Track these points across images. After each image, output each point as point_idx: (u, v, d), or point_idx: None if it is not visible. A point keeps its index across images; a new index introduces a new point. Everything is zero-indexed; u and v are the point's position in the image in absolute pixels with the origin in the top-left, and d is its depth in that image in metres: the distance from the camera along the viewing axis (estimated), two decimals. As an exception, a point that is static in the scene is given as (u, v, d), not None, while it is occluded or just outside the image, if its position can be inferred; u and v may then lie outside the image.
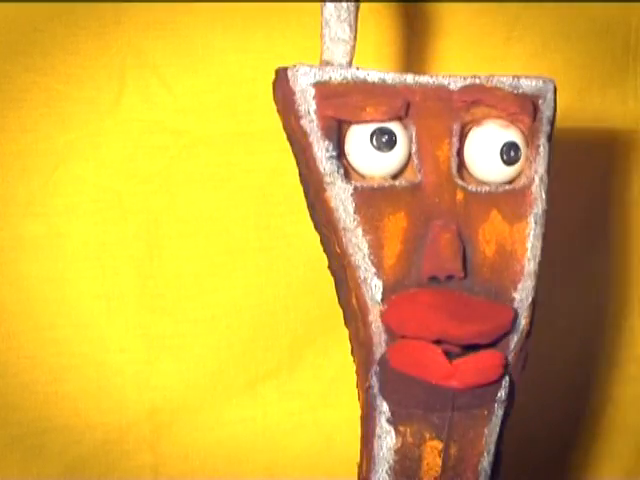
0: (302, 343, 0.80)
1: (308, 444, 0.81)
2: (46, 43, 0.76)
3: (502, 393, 0.53)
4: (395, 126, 0.54)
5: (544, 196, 0.53)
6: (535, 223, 0.53)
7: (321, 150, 0.54)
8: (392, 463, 0.54)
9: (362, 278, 0.54)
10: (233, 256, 0.80)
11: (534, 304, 0.54)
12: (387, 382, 0.53)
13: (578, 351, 0.86)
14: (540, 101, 0.53)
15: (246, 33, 0.78)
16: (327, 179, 0.54)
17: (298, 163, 0.57)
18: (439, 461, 0.53)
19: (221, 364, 0.81)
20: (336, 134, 0.54)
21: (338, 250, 0.55)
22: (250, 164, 0.78)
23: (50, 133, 0.77)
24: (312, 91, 0.54)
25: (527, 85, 0.53)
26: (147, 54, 0.77)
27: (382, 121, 0.53)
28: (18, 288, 0.78)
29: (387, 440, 0.54)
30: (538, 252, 0.53)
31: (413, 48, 0.80)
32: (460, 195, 0.53)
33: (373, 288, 0.54)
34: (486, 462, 0.53)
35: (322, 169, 0.54)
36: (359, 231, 0.54)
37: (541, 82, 0.53)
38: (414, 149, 0.53)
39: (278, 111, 0.57)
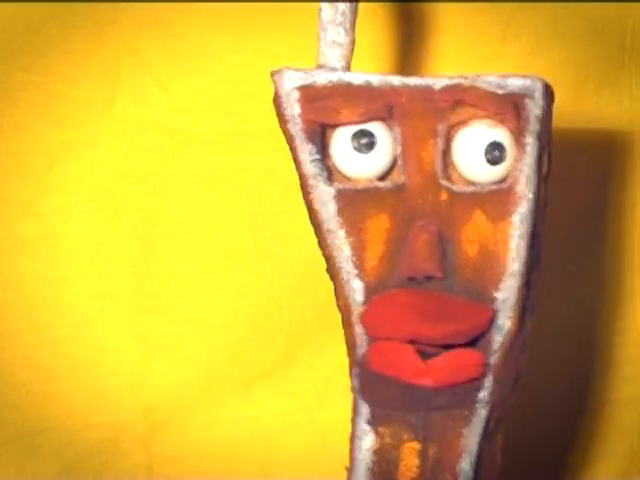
0: (297, 343, 0.80)
1: (303, 444, 0.81)
2: (41, 43, 0.76)
3: (484, 394, 0.53)
4: (377, 128, 0.54)
5: (531, 196, 0.53)
6: (520, 223, 0.52)
7: (305, 153, 0.55)
8: (370, 464, 0.54)
9: (345, 280, 0.54)
10: (228, 256, 0.80)
11: (524, 304, 0.54)
12: (366, 383, 0.54)
13: (573, 352, 0.86)
14: (527, 100, 0.52)
15: (241, 33, 0.78)
16: (311, 182, 0.55)
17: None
18: (417, 462, 0.53)
19: (216, 364, 0.81)
20: (319, 137, 0.54)
21: (325, 252, 0.55)
22: (245, 164, 0.78)
23: (45, 133, 0.77)
24: (297, 94, 0.54)
25: (514, 84, 0.52)
26: (142, 54, 0.77)
27: (359, 123, 0.53)
28: (13, 288, 0.78)
29: (366, 441, 0.54)
30: (523, 252, 0.53)
31: (408, 48, 0.80)
32: (444, 196, 0.53)
33: (355, 289, 0.54)
34: (466, 463, 0.53)
35: (306, 172, 0.54)
36: (341, 233, 0.54)
37: (529, 81, 0.52)
38: (399, 150, 0.53)
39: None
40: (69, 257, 0.78)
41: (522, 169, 0.52)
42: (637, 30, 0.83)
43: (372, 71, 0.56)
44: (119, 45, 0.77)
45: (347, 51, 0.57)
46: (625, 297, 0.86)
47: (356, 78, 0.54)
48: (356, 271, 0.54)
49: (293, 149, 0.55)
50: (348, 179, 0.55)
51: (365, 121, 0.53)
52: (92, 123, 0.77)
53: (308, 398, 0.81)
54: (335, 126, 0.54)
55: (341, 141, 0.54)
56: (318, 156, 0.54)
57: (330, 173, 0.55)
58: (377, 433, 0.53)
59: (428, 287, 0.53)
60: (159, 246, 0.79)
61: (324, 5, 0.56)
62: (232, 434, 0.82)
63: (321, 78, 0.54)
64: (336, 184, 0.55)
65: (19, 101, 0.76)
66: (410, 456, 0.53)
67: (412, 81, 0.53)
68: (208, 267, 0.80)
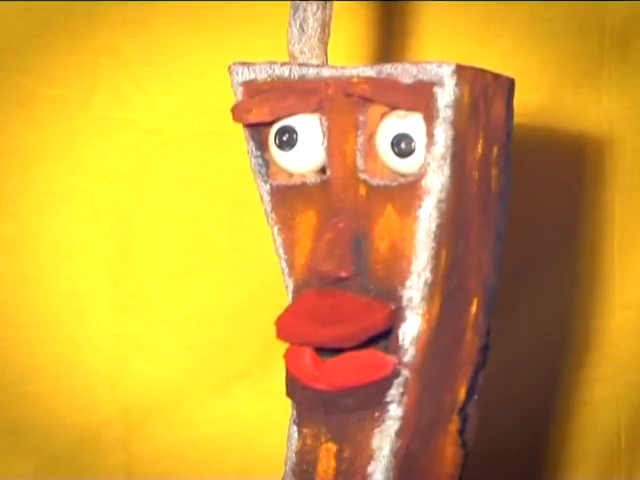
0: (275, 343, 0.79)
1: (281, 444, 0.80)
2: (18, 41, 0.76)
3: (396, 393, 0.51)
4: (307, 122, 0.53)
5: (439, 187, 0.51)
6: (426, 217, 0.50)
7: (249, 150, 0.54)
8: (293, 466, 0.53)
9: (283, 277, 0.54)
10: (206, 255, 0.80)
11: (442, 300, 0.52)
12: (286, 385, 0.53)
13: (549, 352, 0.86)
14: (435, 87, 0.50)
15: (219, 32, 0.77)
16: (254, 178, 0.54)
17: None
18: (334, 464, 0.52)
19: (194, 364, 0.81)
20: (257, 134, 0.54)
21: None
22: (222, 163, 0.78)
23: (22, 132, 0.77)
24: (241, 90, 0.54)
25: (423, 71, 0.49)
26: (120, 53, 0.77)
27: (282, 118, 0.52)
28: (-11, 287, 0.78)
29: (291, 442, 0.53)
30: (429, 248, 0.51)
31: (387, 47, 0.80)
32: (363, 190, 0.51)
33: (288, 288, 0.54)
34: (378, 466, 0.52)
35: (252, 169, 0.54)
36: (276, 230, 0.54)
37: (436, 67, 0.48)
38: (325, 144, 0.53)
39: None
40: (46, 256, 0.78)
41: (429, 161, 0.50)
42: (616, 30, 0.83)
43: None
44: (97, 44, 0.77)
45: (317, 41, 0.56)
46: (601, 296, 0.86)
47: (292, 72, 0.53)
48: (287, 269, 0.53)
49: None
50: (290, 174, 0.54)
51: (290, 115, 0.52)
52: (69, 122, 0.77)
53: (286, 398, 0.80)
54: (270, 123, 0.53)
55: (270, 137, 0.54)
56: (258, 152, 0.54)
57: (271, 169, 0.54)
58: (300, 434, 0.53)
59: (339, 286, 0.51)
60: (137, 246, 0.79)
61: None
62: (211, 434, 0.82)
63: (262, 73, 0.54)
64: (271, 180, 0.54)
65: (-5, 100, 0.76)
66: (327, 458, 0.52)
67: (338, 72, 0.52)
68: (186, 267, 0.80)
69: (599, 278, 0.86)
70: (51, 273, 0.79)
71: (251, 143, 0.54)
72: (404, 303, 0.51)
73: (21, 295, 0.79)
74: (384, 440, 0.51)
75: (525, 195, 0.81)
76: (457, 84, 0.49)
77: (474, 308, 0.54)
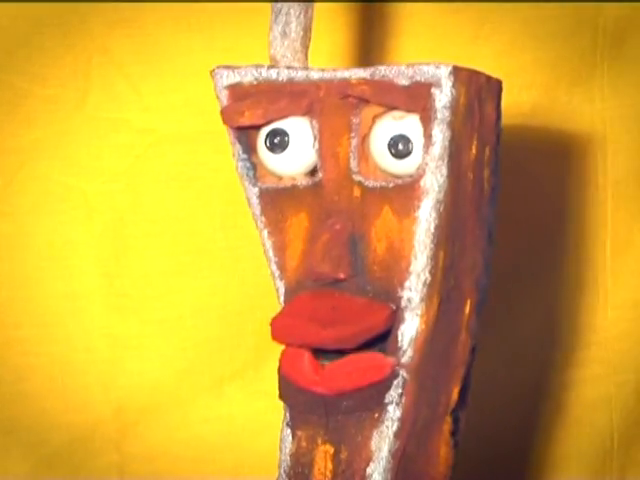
0: (268, 343, 0.79)
1: (274, 444, 0.80)
2: (11, 41, 0.76)
3: (395, 394, 0.51)
4: (297, 125, 0.53)
5: (437, 188, 0.51)
6: (425, 218, 0.50)
7: (235, 153, 0.54)
8: (287, 469, 0.53)
9: (273, 280, 0.54)
10: (199, 255, 0.80)
11: (440, 301, 0.52)
12: (280, 387, 0.53)
13: (540, 352, 0.86)
14: (433, 88, 0.49)
15: (212, 31, 0.77)
16: (241, 181, 0.54)
17: None
18: (331, 466, 0.52)
19: (187, 364, 0.81)
20: (245, 137, 0.54)
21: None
22: (216, 163, 0.78)
23: (15, 132, 0.77)
24: (225, 93, 0.54)
25: (420, 73, 0.49)
26: (113, 52, 0.77)
27: (274, 121, 0.52)
28: (-17, 287, 0.78)
29: (285, 444, 0.53)
30: (428, 249, 0.51)
31: (381, 48, 0.80)
32: (357, 192, 0.51)
33: (278, 291, 0.54)
34: (377, 467, 0.52)
35: (238, 172, 0.54)
36: (265, 233, 0.54)
37: (434, 68, 0.49)
38: (316, 147, 0.52)
39: None
40: (40, 256, 0.78)
41: (427, 161, 0.50)
42: (609, 30, 0.83)
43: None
44: (90, 44, 0.76)
45: (299, 45, 0.56)
46: (587, 296, 0.86)
47: (280, 74, 0.53)
48: (278, 272, 0.53)
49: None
50: (279, 177, 0.54)
51: (281, 118, 0.52)
52: (63, 122, 0.77)
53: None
54: (258, 126, 0.53)
55: (260, 140, 0.54)
56: (245, 155, 0.54)
57: (259, 172, 0.54)
58: (295, 436, 0.53)
59: (336, 288, 0.51)
60: (130, 246, 0.79)
61: (276, -1, 0.55)
62: (203, 434, 0.82)
63: (248, 76, 0.53)
64: (259, 184, 0.54)
65: (-11, 100, 0.76)
66: (323, 460, 0.52)
67: (329, 75, 0.52)
68: (179, 267, 0.80)
69: (591, 278, 0.86)
70: (45, 273, 0.78)
71: (237, 146, 0.54)
72: (403, 304, 0.51)
73: (15, 295, 0.79)
74: (383, 441, 0.51)
75: (518, 194, 0.81)
76: (454, 85, 0.50)
77: (468, 308, 0.54)
